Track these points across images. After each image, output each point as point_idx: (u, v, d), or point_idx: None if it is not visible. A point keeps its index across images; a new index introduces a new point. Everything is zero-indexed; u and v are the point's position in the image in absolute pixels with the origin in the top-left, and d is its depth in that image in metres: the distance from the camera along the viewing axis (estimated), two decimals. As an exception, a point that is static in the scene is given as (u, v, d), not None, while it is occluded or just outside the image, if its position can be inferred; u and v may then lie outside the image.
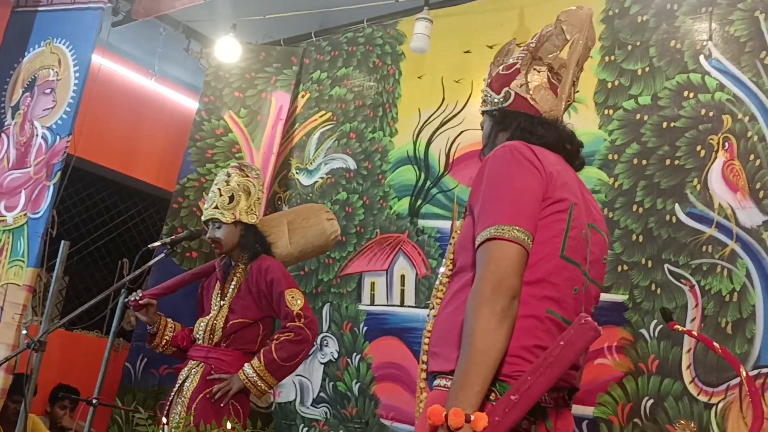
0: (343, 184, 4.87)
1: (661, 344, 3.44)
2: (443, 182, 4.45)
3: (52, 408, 4.95)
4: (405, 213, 4.54)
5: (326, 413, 4.54)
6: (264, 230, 3.55)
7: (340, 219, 4.47)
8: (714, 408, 3.24)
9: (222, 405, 3.14)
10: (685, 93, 3.64)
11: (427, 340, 1.72)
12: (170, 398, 3.35)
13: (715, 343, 2.44)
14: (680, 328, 2.72)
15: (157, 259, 2.98)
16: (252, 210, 3.41)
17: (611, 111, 3.85)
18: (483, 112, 1.97)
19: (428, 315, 1.76)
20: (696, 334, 2.39)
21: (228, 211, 3.36)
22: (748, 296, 3.28)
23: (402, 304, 4.50)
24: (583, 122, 3.84)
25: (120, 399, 4.59)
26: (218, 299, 3.39)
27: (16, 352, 2.59)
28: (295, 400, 4.66)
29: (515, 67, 1.91)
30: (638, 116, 3.74)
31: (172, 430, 2.59)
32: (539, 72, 1.91)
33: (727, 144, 3.48)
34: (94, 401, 3.39)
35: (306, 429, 4.58)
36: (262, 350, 3.19)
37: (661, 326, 3.45)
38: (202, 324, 3.38)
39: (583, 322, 1.44)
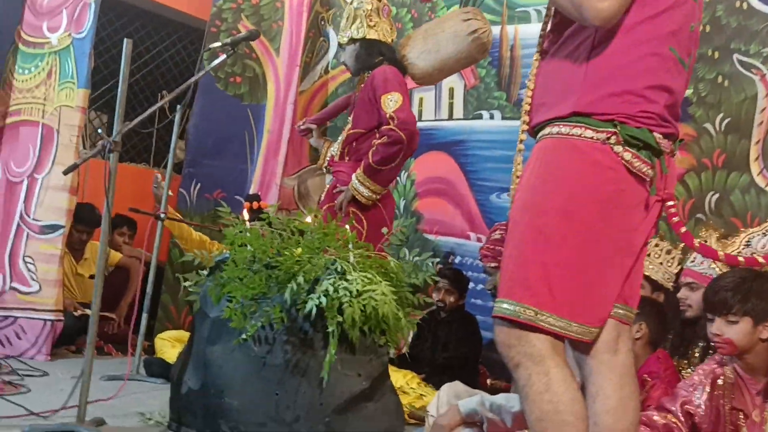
0: (391, -3, 4.66)
1: (728, 138, 3.37)
2: (494, -15, 4.25)
3: (110, 237, 5.02)
4: (453, 22, 4.36)
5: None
6: (401, 46, 3.46)
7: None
8: (782, 197, 3.22)
9: (344, 215, 3.13)
10: None
11: (529, 100, 1.67)
12: None
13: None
14: None
15: (218, 60, 2.89)
16: (363, 24, 3.34)
17: None
18: None
19: (528, 78, 1.70)
20: None
21: (343, 32, 3.40)
22: (824, 82, 3.17)
23: (450, 118, 4.43)
24: None
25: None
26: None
27: (91, 153, 2.57)
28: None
29: None
30: None
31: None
32: None
33: None
34: (162, 215, 3.44)
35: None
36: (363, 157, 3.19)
37: (728, 119, 3.37)
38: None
39: None
